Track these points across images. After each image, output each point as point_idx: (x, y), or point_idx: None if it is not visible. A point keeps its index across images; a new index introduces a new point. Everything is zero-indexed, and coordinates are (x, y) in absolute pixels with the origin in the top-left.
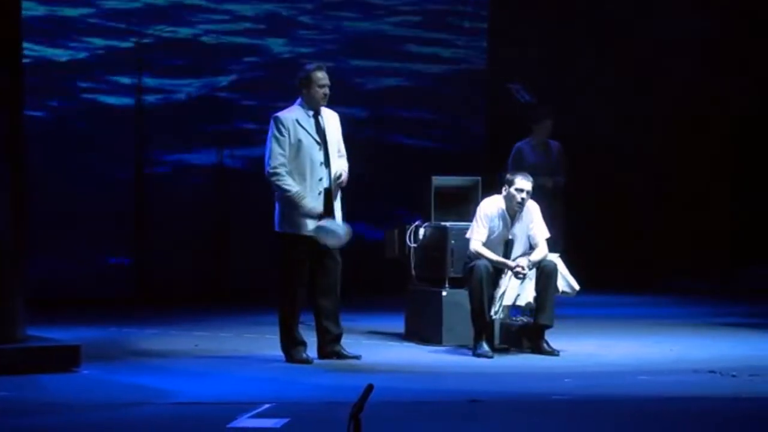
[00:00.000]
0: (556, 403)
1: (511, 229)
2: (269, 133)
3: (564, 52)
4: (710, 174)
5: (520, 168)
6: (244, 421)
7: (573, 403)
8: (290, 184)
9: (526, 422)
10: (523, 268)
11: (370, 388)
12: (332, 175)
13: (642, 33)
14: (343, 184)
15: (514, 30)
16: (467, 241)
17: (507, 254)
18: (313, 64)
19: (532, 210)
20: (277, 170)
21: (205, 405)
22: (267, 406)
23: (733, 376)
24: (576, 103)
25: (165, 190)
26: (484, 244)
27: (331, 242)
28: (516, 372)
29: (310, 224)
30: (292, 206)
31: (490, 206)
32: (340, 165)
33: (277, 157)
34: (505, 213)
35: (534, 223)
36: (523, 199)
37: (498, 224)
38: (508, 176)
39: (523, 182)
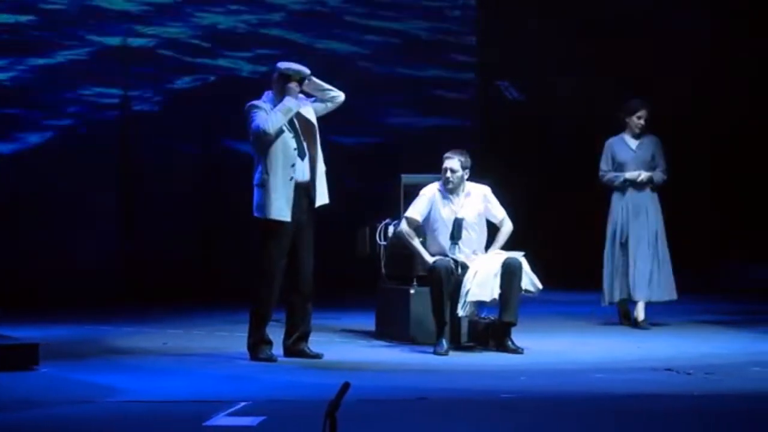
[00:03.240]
0: (502, 400)
1: (457, 209)
2: (251, 114)
3: (557, 50)
4: (697, 173)
5: (611, 164)
6: (221, 420)
7: (519, 400)
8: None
9: (470, 419)
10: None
11: (346, 386)
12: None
13: (637, 31)
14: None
15: (504, 24)
16: None
17: (456, 235)
18: (290, 63)
19: (486, 192)
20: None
21: (178, 403)
22: (243, 404)
23: (689, 374)
24: (569, 102)
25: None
26: (430, 226)
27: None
28: (474, 370)
29: (291, 102)
30: (285, 110)
31: (429, 188)
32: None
33: (263, 117)
34: (446, 193)
35: (491, 204)
36: (447, 178)
37: (440, 205)
38: None
39: (447, 161)
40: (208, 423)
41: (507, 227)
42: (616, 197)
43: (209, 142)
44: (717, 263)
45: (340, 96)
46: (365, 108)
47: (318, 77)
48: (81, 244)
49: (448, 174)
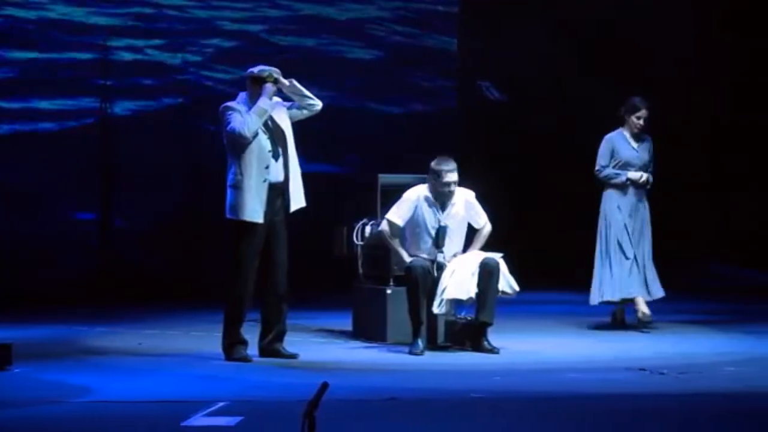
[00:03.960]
0: (474, 400)
1: (442, 217)
2: (226, 116)
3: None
4: (682, 174)
5: (610, 160)
6: (198, 420)
7: (492, 400)
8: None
9: (444, 419)
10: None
11: (324, 386)
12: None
13: (625, 32)
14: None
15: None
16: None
17: (440, 243)
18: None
19: (469, 198)
20: (241, 127)
21: (155, 403)
22: (220, 404)
23: (662, 374)
24: (550, 102)
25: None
26: (412, 231)
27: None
28: (449, 370)
29: (265, 104)
30: (260, 112)
31: (414, 191)
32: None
33: (239, 120)
34: (432, 200)
35: (474, 210)
36: (449, 191)
37: (425, 211)
38: (434, 166)
39: (449, 174)
40: (186, 423)
41: (486, 229)
42: (610, 195)
43: (188, 145)
44: (696, 263)
45: (318, 105)
46: (347, 106)
47: (298, 76)
48: (57, 244)
49: (452, 188)
